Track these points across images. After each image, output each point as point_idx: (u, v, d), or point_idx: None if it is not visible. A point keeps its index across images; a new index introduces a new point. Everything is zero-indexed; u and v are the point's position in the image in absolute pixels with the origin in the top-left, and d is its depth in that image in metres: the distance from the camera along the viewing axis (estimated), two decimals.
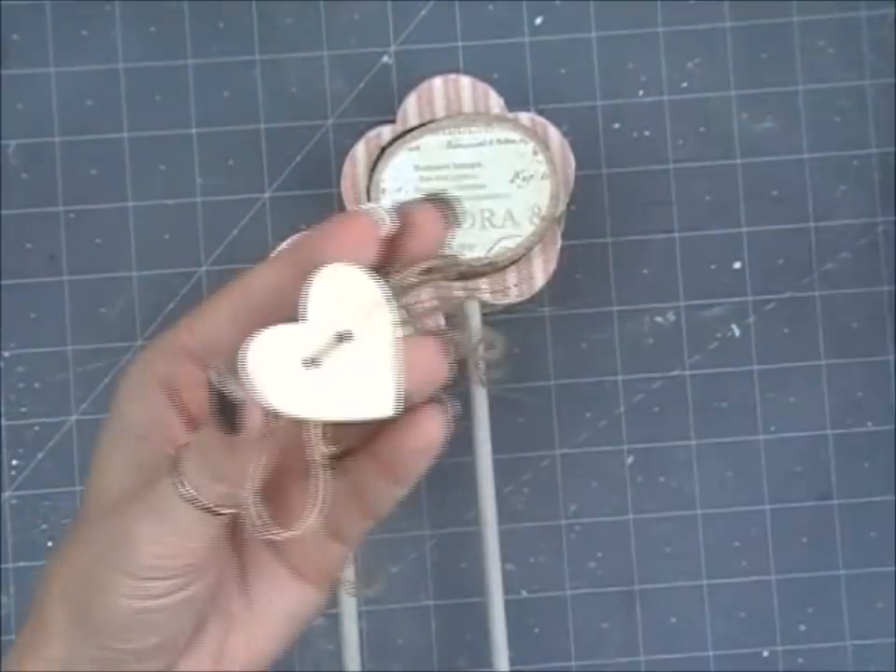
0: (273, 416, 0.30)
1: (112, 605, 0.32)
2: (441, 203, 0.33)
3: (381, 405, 0.31)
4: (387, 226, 0.32)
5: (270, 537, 0.32)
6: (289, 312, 0.31)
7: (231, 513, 0.32)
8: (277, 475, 0.33)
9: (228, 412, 0.30)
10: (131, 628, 0.33)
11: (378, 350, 0.31)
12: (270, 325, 0.30)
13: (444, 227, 0.33)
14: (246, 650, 0.36)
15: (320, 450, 0.31)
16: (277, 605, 0.36)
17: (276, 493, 0.33)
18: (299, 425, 0.31)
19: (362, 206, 0.32)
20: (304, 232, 0.32)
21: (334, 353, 0.31)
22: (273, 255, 0.33)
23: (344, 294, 0.31)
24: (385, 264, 0.33)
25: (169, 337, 0.34)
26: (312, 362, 0.31)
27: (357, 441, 0.34)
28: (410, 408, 0.32)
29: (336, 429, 0.31)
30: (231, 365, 0.30)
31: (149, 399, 0.34)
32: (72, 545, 0.34)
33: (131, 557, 0.32)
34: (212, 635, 0.35)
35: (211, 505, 0.32)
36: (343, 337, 0.31)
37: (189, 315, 0.34)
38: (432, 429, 0.32)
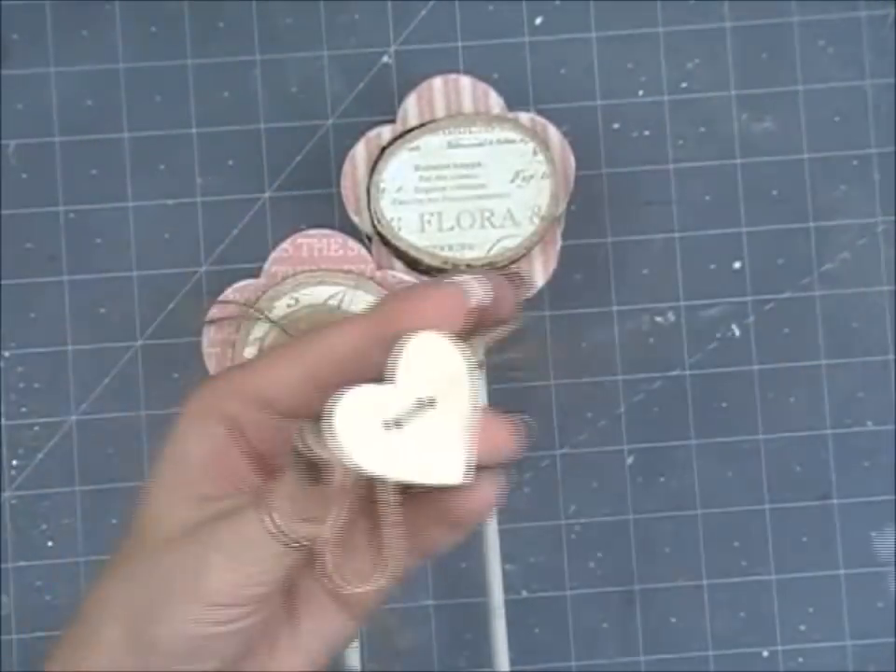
0: (352, 473, 0.32)
1: (178, 631, 0.33)
2: (514, 278, 0.35)
3: (451, 474, 0.32)
4: (477, 299, 0.33)
5: (343, 589, 0.33)
6: (366, 373, 0.33)
7: (308, 548, 0.34)
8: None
9: (306, 469, 0.32)
10: (193, 653, 0.34)
11: (455, 420, 0.32)
12: (347, 384, 0.32)
13: (517, 299, 0.35)
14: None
15: (393, 510, 0.33)
16: (318, 634, 0.37)
17: (342, 540, 0.35)
18: (373, 482, 0.32)
19: (455, 278, 0.34)
20: (393, 295, 0.34)
21: (415, 418, 0.32)
22: (357, 315, 0.34)
23: (430, 361, 0.32)
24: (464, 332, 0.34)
25: (237, 379, 0.35)
26: (393, 425, 0.32)
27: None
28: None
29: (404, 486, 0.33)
30: (313, 421, 0.32)
31: (212, 435, 0.35)
32: (130, 569, 0.35)
33: (205, 584, 0.33)
34: (257, 657, 0.36)
35: (292, 542, 0.33)
36: (425, 403, 0.32)
37: (261, 360, 0.35)
38: (486, 496, 0.34)
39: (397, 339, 0.32)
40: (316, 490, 0.32)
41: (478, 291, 0.33)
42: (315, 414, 0.32)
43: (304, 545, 0.33)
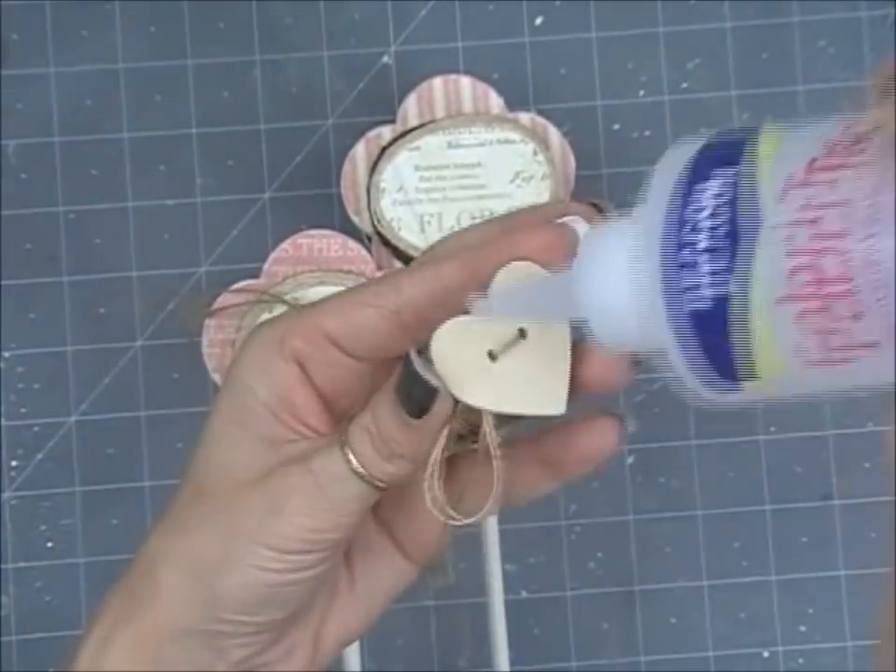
0: (453, 404, 0.31)
1: (248, 579, 0.33)
2: (601, 206, 0.34)
3: (551, 404, 0.32)
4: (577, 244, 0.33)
5: (451, 521, 0.33)
6: (457, 311, 0.32)
7: (388, 489, 0.33)
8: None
9: (410, 394, 0.31)
10: (262, 603, 0.33)
11: (554, 350, 0.32)
12: (435, 323, 0.32)
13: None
14: (340, 628, 0.36)
15: (495, 440, 0.32)
16: (377, 583, 0.37)
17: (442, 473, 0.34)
18: (474, 414, 0.32)
19: (563, 219, 0.33)
20: (495, 228, 0.33)
21: (514, 348, 0.32)
22: (445, 253, 0.34)
23: (513, 289, 0.32)
24: None
25: (310, 317, 0.34)
26: (493, 355, 0.32)
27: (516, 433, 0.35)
28: (589, 416, 0.33)
29: (502, 421, 0.33)
30: (419, 351, 0.31)
31: (277, 373, 0.34)
32: (195, 519, 0.34)
33: (279, 529, 0.32)
34: (316, 612, 0.36)
35: (377, 481, 0.32)
36: (523, 333, 0.32)
37: (335, 300, 0.34)
38: (606, 438, 0.34)
39: (488, 274, 0.32)
40: (410, 425, 0.31)
41: (581, 231, 0.33)
42: (399, 352, 0.31)
43: (387, 486, 0.33)
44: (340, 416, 0.34)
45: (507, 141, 0.58)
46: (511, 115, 0.58)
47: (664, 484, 0.62)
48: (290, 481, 0.33)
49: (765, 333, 0.25)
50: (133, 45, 0.63)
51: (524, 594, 0.62)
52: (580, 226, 0.33)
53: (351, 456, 0.32)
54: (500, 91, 0.59)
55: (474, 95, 0.58)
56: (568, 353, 0.32)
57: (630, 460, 0.62)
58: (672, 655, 0.62)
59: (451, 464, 0.34)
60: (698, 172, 0.27)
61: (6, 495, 0.62)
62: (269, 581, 0.33)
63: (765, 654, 0.62)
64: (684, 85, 0.63)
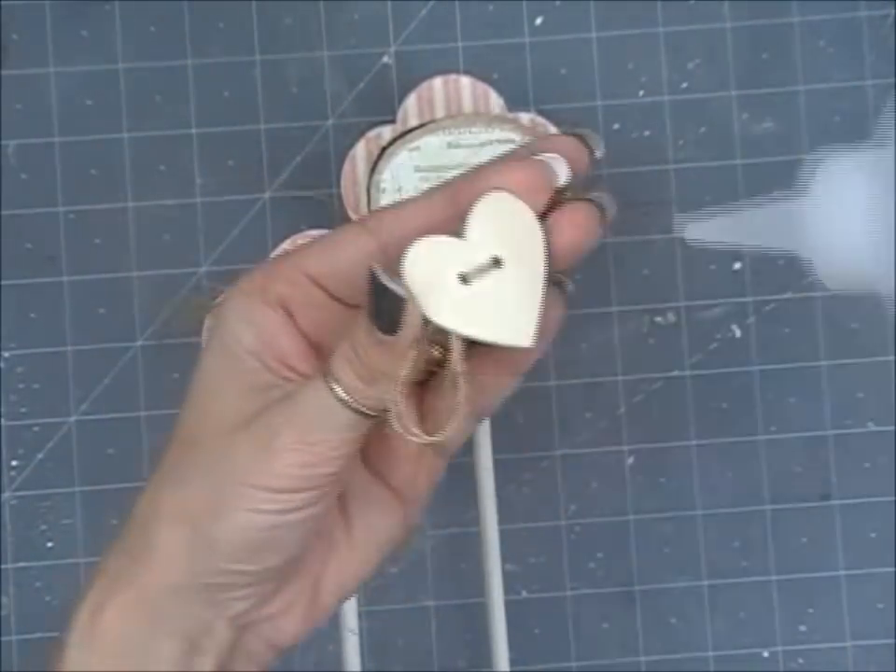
0: (424, 323, 0.31)
1: (242, 523, 0.32)
2: (588, 138, 0.34)
3: (520, 335, 0.32)
4: (561, 180, 0.33)
5: (416, 439, 0.32)
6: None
7: (376, 418, 0.33)
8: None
9: (380, 313, 0.31)
10: (257, 547, 0.33)
11: (528, 282, 0.32)
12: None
13: (587, 160, 0.34)
14: (339, 576, 0.36)
15: (462, 363, 0.32)
16: (374, 530, 0.36)
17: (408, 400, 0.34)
18: (442, 335, 0.32)
19: (544, 155, 0.33)
20: (478, 167, 0.33)
21: (487, 275, 0.32)
22: (435, 188, 0.34)
23: (506, 221, 0.32)
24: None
25: (291, 260, 0.34)
26: (465, 279, 0.32)
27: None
28: (552, 208, 0.33)
29: (469, 351, 0.32)
30: (390, 269, 0.31)
31: (261, 320, 0.34)
32: (185, 470, 0.34)
33: (269, 468, 0.32)
34: (312, 562, 0.36)
35: (363, 408, 0.32)
36: (497, 261, 0.32)
37: (317, 242, 0.34)
38: (584, 223, 0.33)
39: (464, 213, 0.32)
40: (385, 343, 0.31)
41: (563, 172, 0.33)
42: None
43: (373, 413, 0.33)
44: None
45: (507, 141, 0.58)
46: (510, 115, 0.58)
47: (664, 484, 0.62)
48: (276, 419, 0.33)
49: None
50: (133, 45, 0.63)
51: (524, 594, 0.62)
52: (558, 163, 0.33)
53: (334, 385, 0.32)
54: (500, 91, 0.58)
55: (474, 95, 0.58)
56: (542, 286, 0.32)
57: (630, 460, 0.62)
58: (672, 655, 0.62)
59: (424, 392, 0.34)
60: None
61: (6, 495, 0.62)
62: (263, 523, 0.32)
63: (765, 654, 0.62)
64: (684, 85, 0.63)
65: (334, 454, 0.33)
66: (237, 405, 0.34)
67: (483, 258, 0.32)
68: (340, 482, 0.34)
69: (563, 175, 0.33)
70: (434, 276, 0.31)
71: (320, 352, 0.34)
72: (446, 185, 0.33)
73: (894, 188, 0.25)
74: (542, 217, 0.33)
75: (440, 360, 0.33)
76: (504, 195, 0.32)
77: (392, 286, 0.31)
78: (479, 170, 0.33)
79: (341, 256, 0.33)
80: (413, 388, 0.33)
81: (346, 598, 0.37)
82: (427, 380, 0.34)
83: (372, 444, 0.35)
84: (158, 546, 0.33)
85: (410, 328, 0.31)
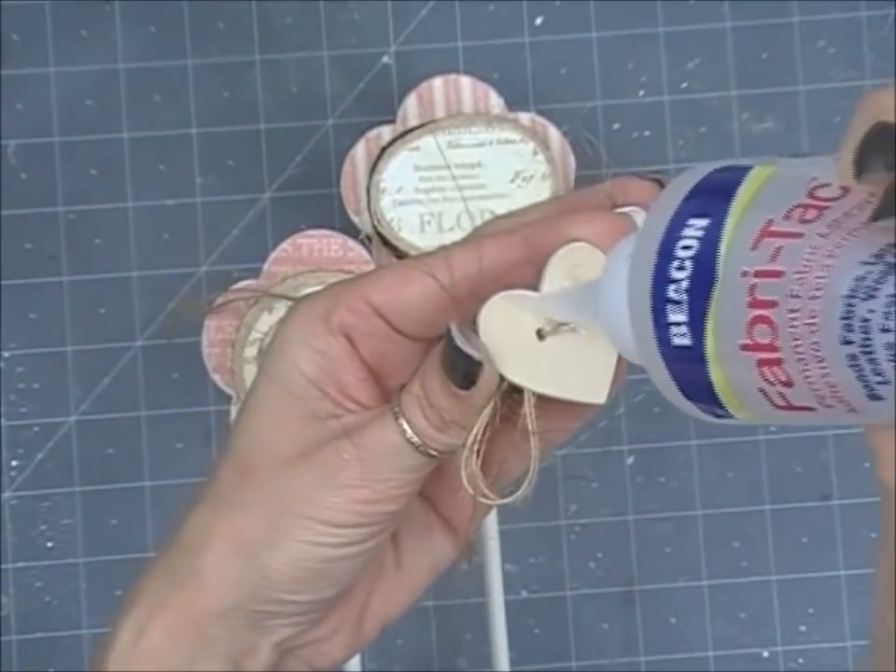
0: (498, 379, 0.31)
1: (299, 554, 0.32)
2: (661, 182, 0.33)
3: (594, 391, 0.32)
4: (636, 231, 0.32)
5: (488, 502, 0.32)
6: (507, 287, 0.32)
7: (442, 459, 0.33)
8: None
9: (454, 366, 0.31)
10: (311, 579, 0.33)
11: (602, 337, 0.31)
12: (486, 298, 0.31)
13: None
14: (384, 604, 0.36)
15: (534, 421, 0.32)
16: (422, 557, 0.36)
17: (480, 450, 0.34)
18: (517, 390, 0.32)
19: (624, 209, 0.32)
20: (556, 210, 0.33)
21: (564, 330, 0.31)
22: (501, 229, 0.33)
23: (584, 274, 0.31)
24: None
25: (356, 288, 0.33)
26: (541, 334, 0.31)
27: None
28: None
29: (542, 404, 0.32)
30: (466, 324, 0.31)
31: (323, 347, 0.33)
32: (241, 497, 0.33)
33: (331, 503, 0.32)
34: (361, 590, 0.36)
35: (431, 451, 0.32)
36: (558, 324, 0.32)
37: (384, 273, 0.34)
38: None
39: (543, 256, 0.31)
40: (459, 396, 0.31)
41: (639, 220, 0.32)
42: (445, 328, 0.31)
43: (441, 456, 0.32)
44: (388, 392, 0.34)
45: (507, 141, 0.58)
46: (511, 115, 0.58)
47: (664, 484, 0.62)
48: (342, 453, 0.32)
49: (726, 378, 0.27)
50: (133, 45, 0.63)
51: (524, 594, 0.62)
52: (638, 216, 0.32)
53: (406, 426, 0.32)
54: (500, 91, 0.58)
55: (474, 95, 0.58)
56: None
57: (630, 460, 0.62)
58: (672, 655, 0.62)
59: (490, 442, 0.33)
60: (685, 211, 0.28)
61: (6, 495, 0.62)
62: (321, 556, 0.32)
63: (765, 654, 0.62)
64: (684, 85, 0.63)
65: (398, 492, 0.33)
66: (294, 434, 0.33)
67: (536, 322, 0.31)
68: (398, 518, 0.34)
69: (640, 223, 0.32)
70: (510, 333, 0.31)
71: (380, 383, 0.34)
72: (524, 226, 0.33)
73: (649, 281, 0.27)
74: None
75: (510, 414, 0.32)
76: (583, 246, 0.31)
77: (467, 349, 0.30)
78: (559, 217, 0.32)
79: (409, 290, 0.33)
80: (483, 440, 0.33)
81: (389, 624, 0.37)
82: (495, 433, 0.34)
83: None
84: (207, 571, 0.33)
85: (485, 387, 0.31)
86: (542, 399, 0.32)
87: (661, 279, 0.27)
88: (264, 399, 0.34)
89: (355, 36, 0.63)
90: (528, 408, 0.32)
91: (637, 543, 0.62)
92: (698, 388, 0.28)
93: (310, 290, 0.56)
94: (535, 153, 0.57)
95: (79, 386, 0.62)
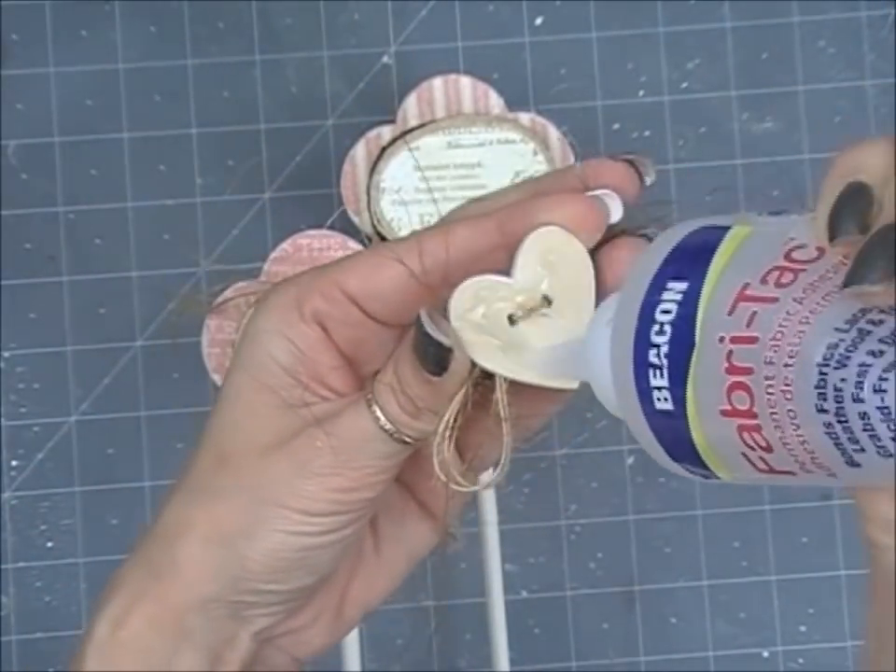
0: (470, 365, 0.31)
1: (276, 544, 0.32)
2: (640, 164, 0.33)
3: (562, 380, 0.31)
4: (613, 219, 0.32)
5: (461, 489, 0.32)
6: (481, 272, 0.32)
7: (416, 445, 0.32)
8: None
9: (425, 353, 0.31)
10: (289, 568, 0.33)
11: (576, 319, 0.31)
12: (458, 283, 0.31)
13: (637, 187, 0.33)
14: (365, 590, 0.36)
15: (507, 407, 0.31)
16: (402, 544, 0.36)
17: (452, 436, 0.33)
18: (489, 376, 0.31)
19: (597, 192, 0.32)
20: (530, 194, 0.32)
21: (535, 315, 0.31)
22: (473, 214, 0.33)
23: (555, 258, 0.31)
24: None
25: (329, 275, 0.33)
26: (513, 319, 0.31)
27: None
28: (602, 243, 0.32)
29: (515, 390, 0.32)
30: (438, 310, 0.31)
31: (297, 335, 0.33)
32: (217, 487, 0.33)
33: (307, 491, 0.32)
34: (341, 577, 0.35)
35: (406, 438, 0.32)
36: (546, 300, 0.31)
37: (356, 259, 0.33)
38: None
39: (516, 241, 0.31)
40: (431, 382, 0.31)
41: (617, 210, 0.32)
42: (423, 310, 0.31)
43: (415, 443, 0.32)
44: (363, 379, 0.34)
45: (507, 141, 0.58)
46: (510, 115, 0.58)
47: (664, 484, 0.62)
48: (316, 441, 0.32)
49: (708, 441, 0.27)
50: (133, 45, 0.63)
51: (524, 594, 0.62)
52: (611, 199, 0.32)
53: (379, 413, 0.32)
54: (500, 91, 0.58)
55: (474, 95, 0.58)
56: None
57: (630, 460, 0.62)
58: (672, 655, 0.62)
59: (465, 429, 0.33)
60: (664, 274, 0.28)
61: (6, 495, 0.62)
62: (297, 545, 0.32)
63: (765, 654, 0.62)
64: (684, 85, 0.63)
65: (373, 479, 0.32)
66: (270, 422, 0.33)
67: (532, 297, 0.31)
68: (375, 505, 0.34)
69: (616, 213, 0.32)
70: (481, 319, 0.31)
71: (355, 369, 0.34)
72: (495, 212, 0.32)
73: (630, 344, 0.27)
74: (592, 251, 0.32)
75: (482, 400, 0.32)
76: (555, 230, 0.31)
77: (437, 335, 0.30)
78: (530, 201, 0.32)
79: (382, 277, 0.33)
80: (454, 427, 0.33)
81: (370, 611, 0.37)
82: (468, 419, 0.34)
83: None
84: (185, 562, 0.33)
85: (456, 373, 0.31)
86: (515, 385, 0.32)
87: (642, 343, 0.27)
88: (239, 388, 0.33)
89: (355, 36, 0.63)
90: (500, 393, 0.31)
91: (637, 543, 0.62)
92: (682, 450, 0.28)
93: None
94: (535, 153, 0.57)
95: (79, 386, 0.62)
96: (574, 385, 0.31)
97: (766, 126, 0.63)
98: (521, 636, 0.61)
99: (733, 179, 0.63)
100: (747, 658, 0.62)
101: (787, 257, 0.26)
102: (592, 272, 0.31)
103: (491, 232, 0.32)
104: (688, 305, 0.26)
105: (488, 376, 0.31)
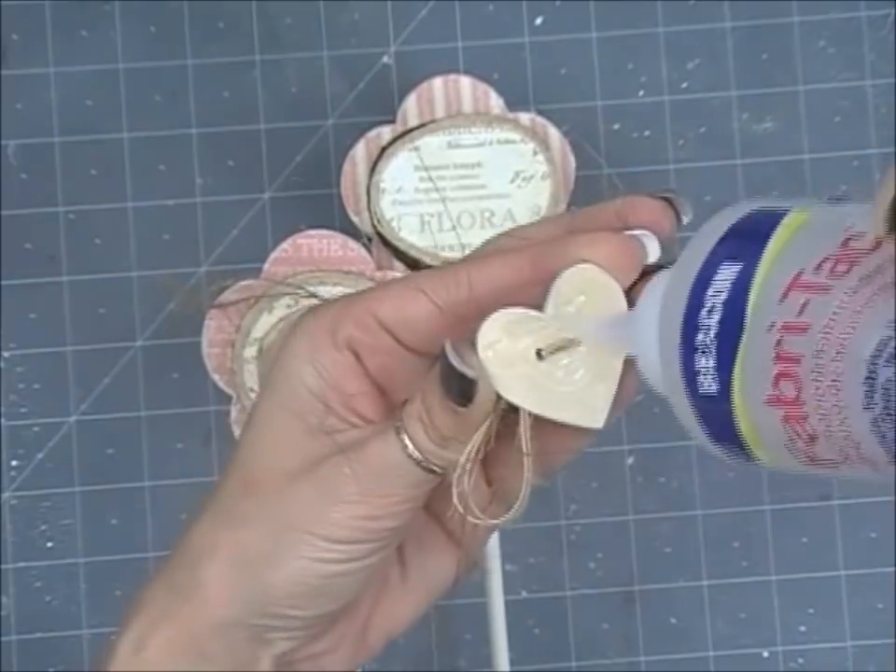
0: (495, 398, 0.31)
1: (299, 570, 0.32)
2: (676, 202, 0.33)
3: (591, 416, 0.31)
4: (652, 257, 0.32)
5: (479, 522, 0.32)
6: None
7: (440, 478, 0.32)
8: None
9: (450, 383, 0.31)
10: (313, 595, 0.33)
11: (605, 363, 0.31)
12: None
13: (673, 225, 0.33)
14: (389, 618, 0.36)
15: (529, 442, 0.31)
16: (426, 573, 0.36)
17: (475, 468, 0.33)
18: (514, 409, 0.31)
19: (636, 232, 0.32)
20: (567, 230, 0.33)
21: (564, 352, 0.31)
22: (507, 247, 0.33)
23: (589, 295, 0.31)
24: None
25: (362, 303, 0.33)
26: (540, 355, 0.31)
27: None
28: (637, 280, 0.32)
29: (539, 425, 0.32)
30: (464, 341, 0.31)
31: (328, 362, 0.33)
32: (243, 511, 0.33)
33: (331, 518, 0.32)
34: (365, 604, 0.35)
35: (433, 467, 0.32)
36: (574, 338, 0.31)
37: (390, 289, 0.33)
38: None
39: (550, 278, 0.31)
40: (457, 413, 0.31)
41: (654, 250, 0.32)
42: (449, 345, 0.31)
43: (442, 472, 0.32)
44: (393, 407, 0.34)
45: (507, 141, 0.58)
46: (510, 115, 0.58)
47: (664, 484, 0.62)
48: (343, 468, 0.32)
49: (752, 427, 0.26)
50: (133, 45, 0.63)
51: (524, 594, 0.62)
52: (648, 239, 0.32)
53: (407, 441, 0.32)
54: (500, 91, 0.58)
55: (474, 95, 0.58)
56: (619, 370, 0.31)
57: (630, 460, 0.62)
58: (672, 655, 0.62)
59: (489, 462, 0.33)
60: (719, 253, 0.27)
61: (6, 495, 0.62)
62: (321, 572, 0.32)
63: (765, 654, 0.62)
64: (684, 85, 0.63)
65: (399, 508, 0.32)
66: (299, 448, 0.33)
67: (562, 333, 0.31)
68: (400, 534, 0.34)
69: (654, 253, 0.32)
70: (509, 351, 0.31)
71: (385, 398, 0.34)
72: (531, 246, 0.32)
73: (678, 330, 0.27)
74: (627, 290, 0.32)
75: (507, 433, 0.32)
76: (591, 268, 0.31)
77: (461, 367, 0.30)
78: (566, 238, 0.32)
79: (414, 307, 0.33)
80: (476, 459, 0.33)
81: (393, 638, 0.37)
82: (492, 451, 0.34)
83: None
84: (208, 585, 0.33)
85: (481, 405, 0.31)
86: (540, 421, 0.32)
87: (691, 323, 0.27)
88: (269, 412, 0.34)
89: (355, 36, 0.63)
90: (524, 427, 0.31)
91: (637, 543, 0.62)
92: (724, 434, 0.27)
93: (314, 290, 0.56)
94: (535, 153, 0.57)
95: (79, 386, 0.62)
96: (599, 425, 0.31)
97: (766, 126, 0.63)
98: (521, 636, 0.61)
99: (733, 179, 0.63)
100: (747, 658, 0.62)
101: (843, 246, 0.25)
102: (623, 307, 0.31)
103: (526, 268, 0.32)
104: (740, 288, 0.26)
105: (514, 410, 0.31)
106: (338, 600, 0.33)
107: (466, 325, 0.32)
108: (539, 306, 0.31)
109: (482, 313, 0.32)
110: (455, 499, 0.32)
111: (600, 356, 0.31)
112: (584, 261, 0.31)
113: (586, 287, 0.31)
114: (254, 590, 0.32)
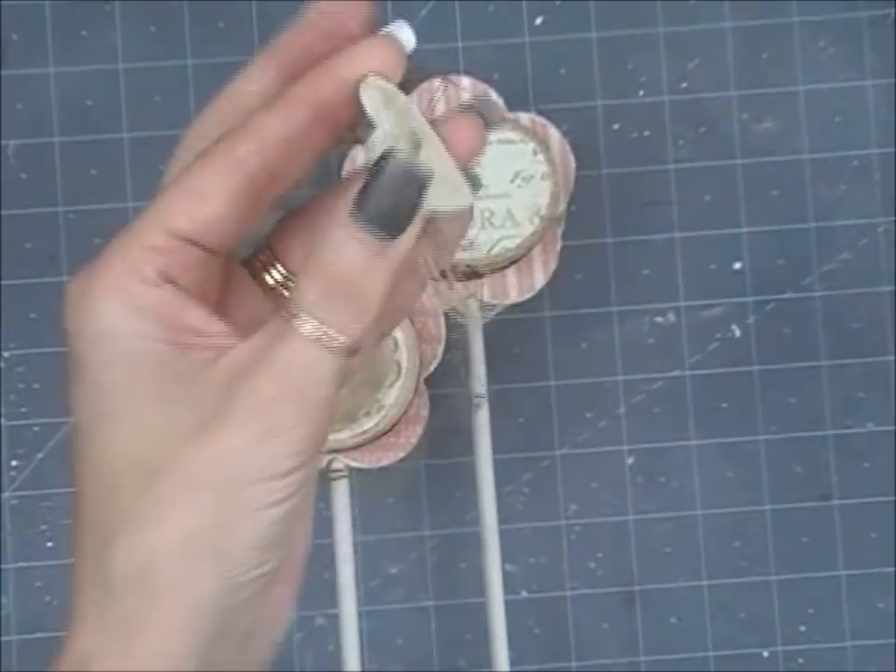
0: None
1: (249, 523, 0.27)
2: (476, 112, 0.31)
3: (462, 198, 0.31)
4: (408, 46, 0.30)
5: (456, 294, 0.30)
6: (309, 158, 0.30)
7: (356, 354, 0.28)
8: None
9: (381, 212, 0.28)
10: (264, 547, 0.27)
11: (436, 149, 0.31)
12: (292, 179, 0.30)
13: (481, 137, 0.31)
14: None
15: (432, 265, 0.31)
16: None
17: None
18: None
19: (384, 29, 0.31)
20: (325, 55, 0.30)
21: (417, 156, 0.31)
22: (284, 94, 0.30)
23: (391, 104, 0.30)
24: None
25: (155, 221, 0.29)
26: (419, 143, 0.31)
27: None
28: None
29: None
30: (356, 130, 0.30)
31: (152, 302, 0.28)
32: (155, 508, 0.28)
33: (275, 455, 0.27)
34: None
35: (345, 340, 0.27)
36: (417, 142, 0.30)
37: (178, 195, 0.30)
38: (474, 134, 0.30)
39: (341, 103, 0.30)
40: (381, 254, 0.27)
41: (409, 39, 0.30)
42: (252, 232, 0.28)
43: (356, 349, 0.28)
44: (234, 321, 0.30)
45: (507, 141, 0.58)
46: (510, 115, 0.58)
47: (664, 484, 0.62)
48: (260, 396, 0.27)
49: None
50: (133, 45, 0.63)
51: (524, 594, 0.62)
52: (400, 31, 0.31)
53: (314, 331, 0.27)
54: (500, 91, 0.58)
55: (474, 95, 0.58)
56: (445, 147, 0.31)
57: (630, 460, 0.62)
58: (672, 655, 0.62)
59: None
60: None
61: (6, 495, 0.62)
62: (267, 517, 0.28)
63: (765, 654, 0.62)
64: (684, 85, 0.63)
65: (316, 413, 0.28)
66: (176, 409, 0.28)
67: (404, 142, 0.30)
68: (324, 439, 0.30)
69: (410, 40, 0.31)
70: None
71: (218, 311, 0.30)
72: (292, 90, 0.30)
73: None
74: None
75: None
76: (376, 79, 0.30)
77: (411, 168, 0.28)
78: (328, 61, 0.30)
79: (211, 203, 0.29)
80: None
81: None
82: None
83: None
84: (162, 578, 0.28)
85: (417, 223, 0.28)
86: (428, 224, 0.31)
87: None
88: (115, 389, 0.28)
89: None
90: (427, 249, 0.30)
91: (637, 543, 0.62)
92: None
93: None
94: (535, 153, 0.57)
95: None
96: (470, 200, 0.31)
97: (766, 126, 0.63)
98: (521, 636, 0.61)
99: (733, 179, 0.63)
100: (747, 658, 0.62)
101: None
102: (414, 104, 0.31)
103: (302, 110, 0.30)
104: None
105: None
106: (280, 547, 0.28)
107: (264, 199, 0.30)
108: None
109: (278, 177, 0.29)
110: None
111: (433, 148, 0.31)
112: (363, 75, 0.30)
113: (384, 97, 0.30)
114: (216, 554, 0.28)
